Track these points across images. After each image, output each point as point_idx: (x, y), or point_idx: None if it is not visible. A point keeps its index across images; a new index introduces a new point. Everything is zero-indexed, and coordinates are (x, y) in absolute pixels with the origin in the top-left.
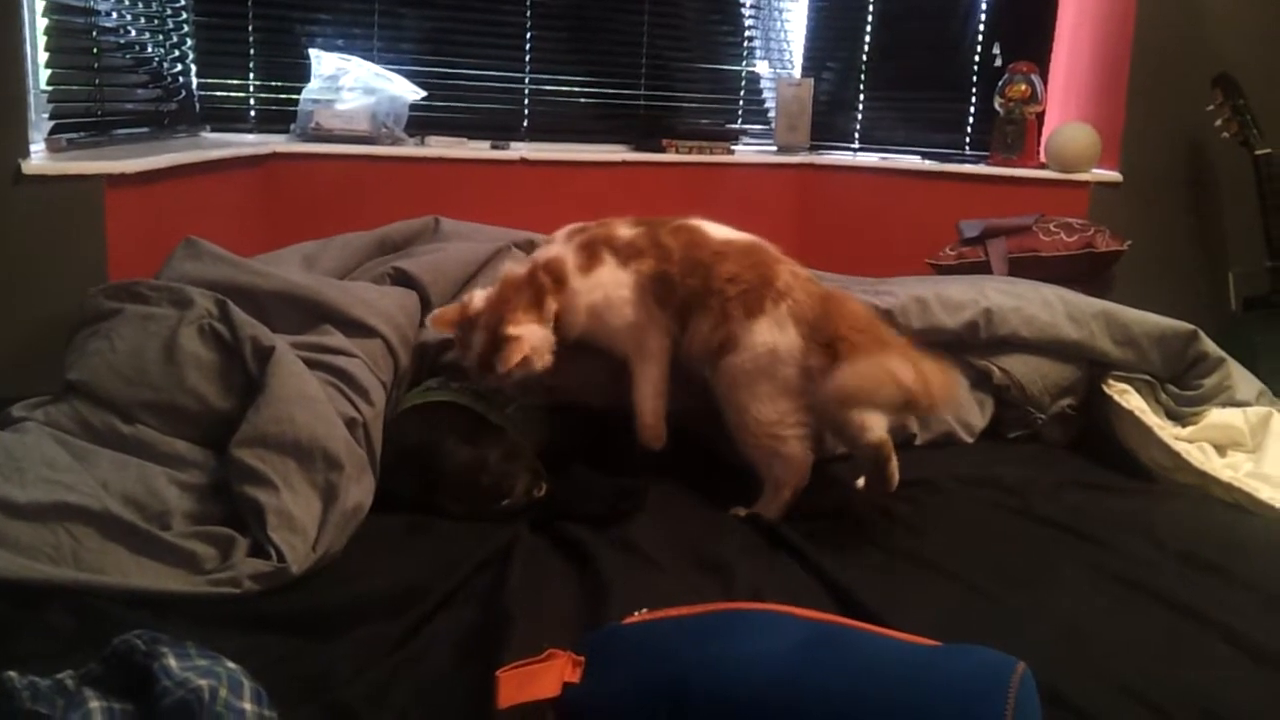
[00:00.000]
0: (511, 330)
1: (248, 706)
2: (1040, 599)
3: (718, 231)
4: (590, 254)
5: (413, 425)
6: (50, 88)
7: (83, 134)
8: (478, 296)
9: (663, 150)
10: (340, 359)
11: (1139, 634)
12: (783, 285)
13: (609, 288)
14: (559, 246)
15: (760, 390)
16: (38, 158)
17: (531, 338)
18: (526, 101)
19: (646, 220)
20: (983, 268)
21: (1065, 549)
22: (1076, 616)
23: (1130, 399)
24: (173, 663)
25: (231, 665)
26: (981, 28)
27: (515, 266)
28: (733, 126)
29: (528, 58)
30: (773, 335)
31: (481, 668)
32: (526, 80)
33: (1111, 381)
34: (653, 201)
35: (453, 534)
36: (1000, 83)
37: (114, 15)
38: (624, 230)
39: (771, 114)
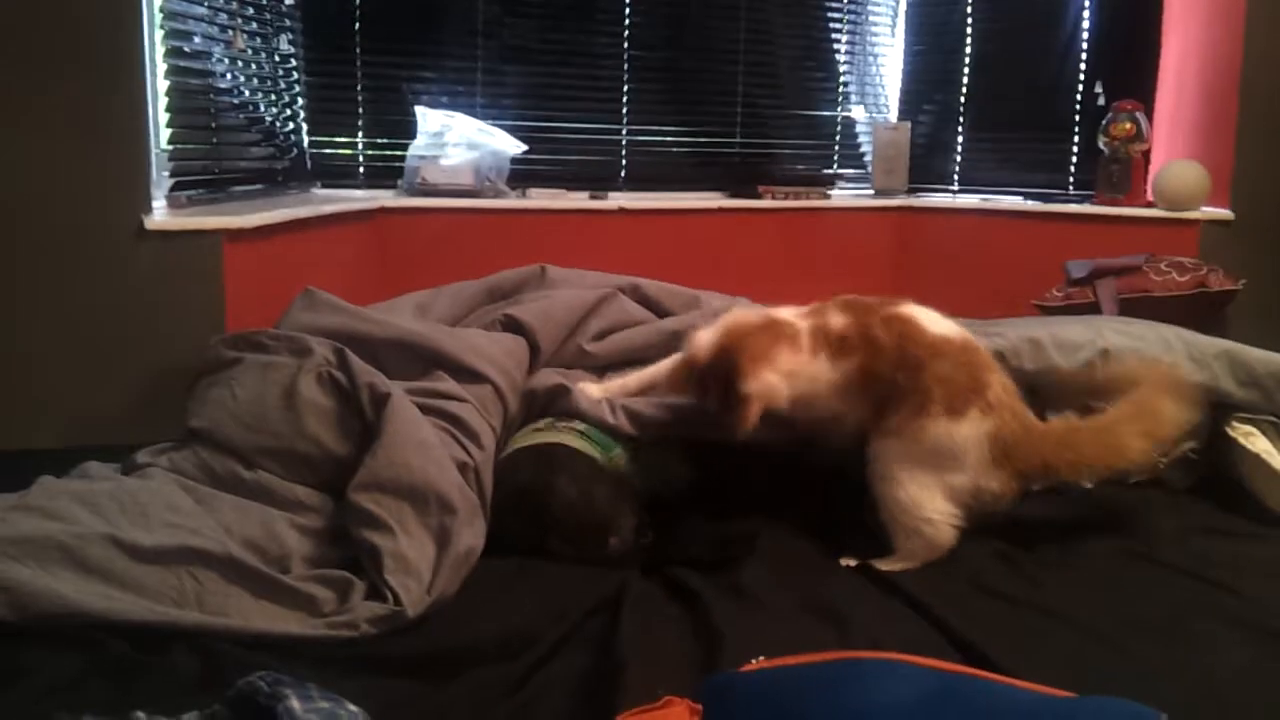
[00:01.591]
0: (750, 387)
1: None
2: (1172, 650)
3: (932, 325)
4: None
5: (524, 464)
6: (170, 147)
7: (201, 191)
8: (702, 344)
9: (759, 197)
10: (452, 404)
11: (1277, 684)
12: (993, 399)
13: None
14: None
15: (922, 478)
16: (159, 213)
17: (764, 387)
18: (624, 152)
19: (858, 305)
20: (1092, 309)
21: (1195, 597)
22: (1210, 666)
23: (1256, 441)
24: (296, 704)
25: (353, 708)
26: (1083, 66)
27: (745, 313)
28: (829, 171)
29: (625, 110)
30: (962, 440)
31: (597, 713)
32: (624, 131)
33: (1235, 424)
34: (751, 247)
35: (564, 578)
36: (1104, 121)
37: (229, 76)
38: (837, 319)
39: (868, 158)
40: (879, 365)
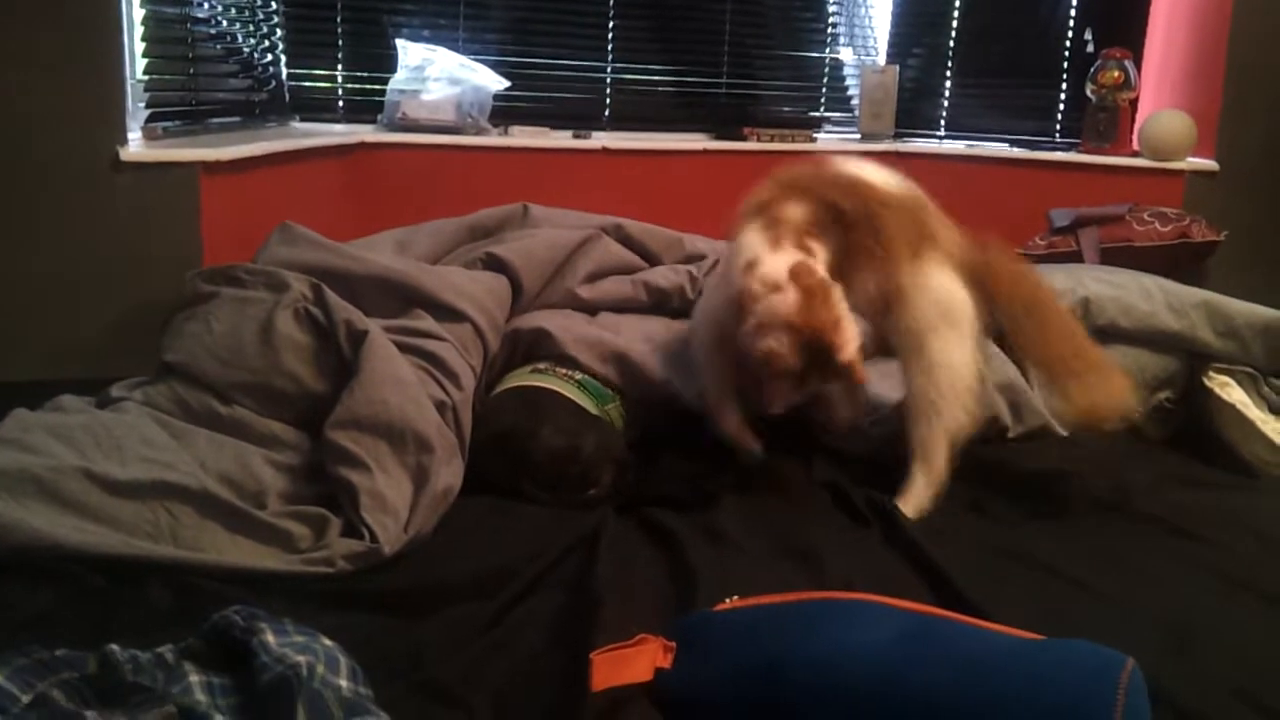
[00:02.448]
0: (848, 353)
1: (344, 683)
2: (1143, 597)
3: (881, 180)
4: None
5: (508, 408)
6: (146, 77)
7: (177, 122)
8: (771, 348)
9: (744, 139)
10: (431, 343)
11: (1247, 635)
12: (946, 245)
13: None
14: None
15: (949, 336)
16: (135, 145)
17: (855, 338)
18: (608, 91)
19: (807, 182)
20: (1074, 258)
21: (1167, 546)
22: (1181, 615)
23: (1232, 392)
24: (271, 639)
25: (328, 642)
26: (1073, 12)
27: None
28: (815, 114)
29: (610, 47)
30: (943, 279)
31: (572, 650)
32: (608, 70)
33: (1212, 374)
34: (735, 190)
35: (540, 517)
36: (1092, 69)
37: (206, 6)
38: (797, 211)
39: (855, 101)
40: (852, 234)
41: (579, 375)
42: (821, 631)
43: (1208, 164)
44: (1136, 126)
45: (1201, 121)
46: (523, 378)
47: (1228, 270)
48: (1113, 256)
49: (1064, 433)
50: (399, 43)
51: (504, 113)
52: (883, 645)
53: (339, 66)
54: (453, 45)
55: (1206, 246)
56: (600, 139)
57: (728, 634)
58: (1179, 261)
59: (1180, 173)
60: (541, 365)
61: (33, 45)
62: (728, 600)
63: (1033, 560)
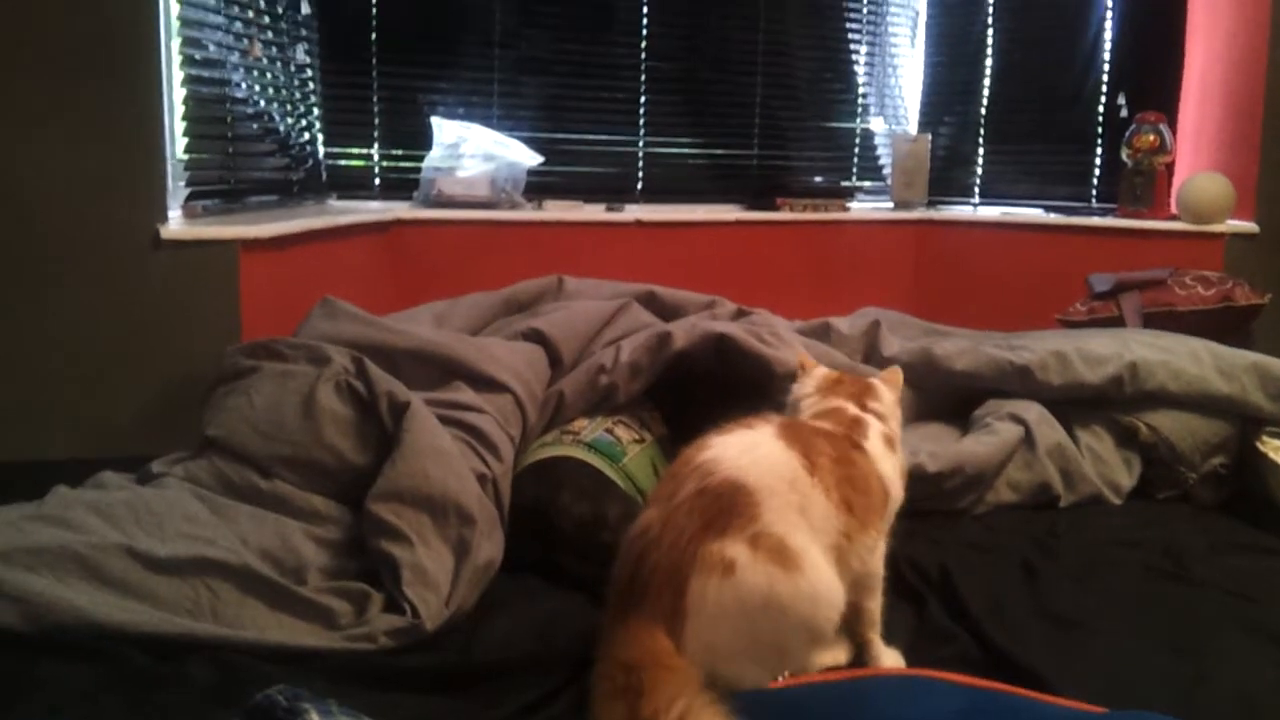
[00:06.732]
0: None
1: None
2: (1206, 666)
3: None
4: None
5: (528, 483)
6: (186, 156)
7: (216, 201)
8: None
9: (777, 209)
10: (471, 415)
11: None
12: None
13: None
14: None
15: None
16: (175, 223)
17: None
18: (640, 164)
19: None
20: (1115, 323)
21: (1227, 614)
22: (1246, 684)
23: None
24: (315, 719)
25: None
26: (1106, 77)
27: None
28: (847, 184)
29: (641, 121)
30: None
31: None
32: (640, 143)
33: (1266, 439)
34: (768, 261)
35: (585, 590)
36: (1127, 133)
37: (245, 86)
38: None
39: (887, 170)
40: None
41: (586, 438)
42: (878, 709)
43: (1248, 226)
44: (1173, 190)
45: (1240, 183)
46: (533, 454)
47: (1273, 332)
48: (1155, 321)
49: (1117, 501)
50: (434, 120)
51: (538, 187)
52: None
53: (375, 145)
54: (487, 122)
55: (1251, 310)
56: (633, 211)
57: (781, 712)
58: (1223, 325)
59: (1220, 235)
60: (548, 437)
61: (75, 123)
62: (780, 677)
63: (1092, 630)
